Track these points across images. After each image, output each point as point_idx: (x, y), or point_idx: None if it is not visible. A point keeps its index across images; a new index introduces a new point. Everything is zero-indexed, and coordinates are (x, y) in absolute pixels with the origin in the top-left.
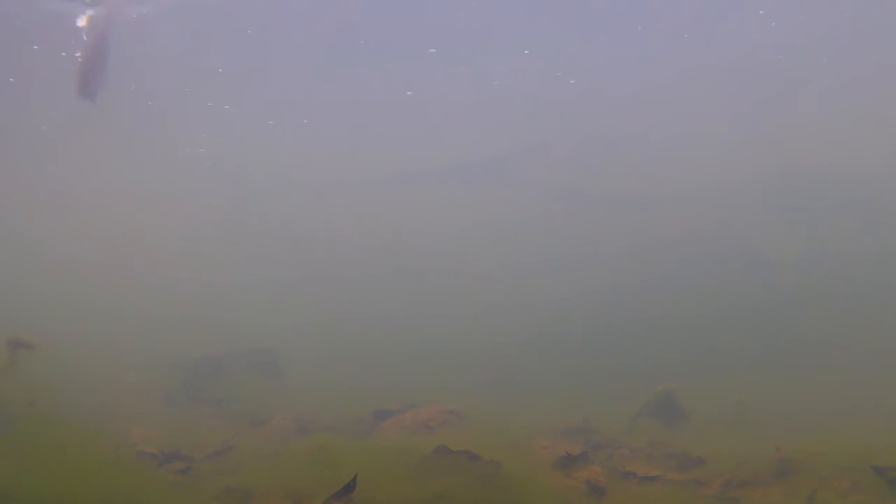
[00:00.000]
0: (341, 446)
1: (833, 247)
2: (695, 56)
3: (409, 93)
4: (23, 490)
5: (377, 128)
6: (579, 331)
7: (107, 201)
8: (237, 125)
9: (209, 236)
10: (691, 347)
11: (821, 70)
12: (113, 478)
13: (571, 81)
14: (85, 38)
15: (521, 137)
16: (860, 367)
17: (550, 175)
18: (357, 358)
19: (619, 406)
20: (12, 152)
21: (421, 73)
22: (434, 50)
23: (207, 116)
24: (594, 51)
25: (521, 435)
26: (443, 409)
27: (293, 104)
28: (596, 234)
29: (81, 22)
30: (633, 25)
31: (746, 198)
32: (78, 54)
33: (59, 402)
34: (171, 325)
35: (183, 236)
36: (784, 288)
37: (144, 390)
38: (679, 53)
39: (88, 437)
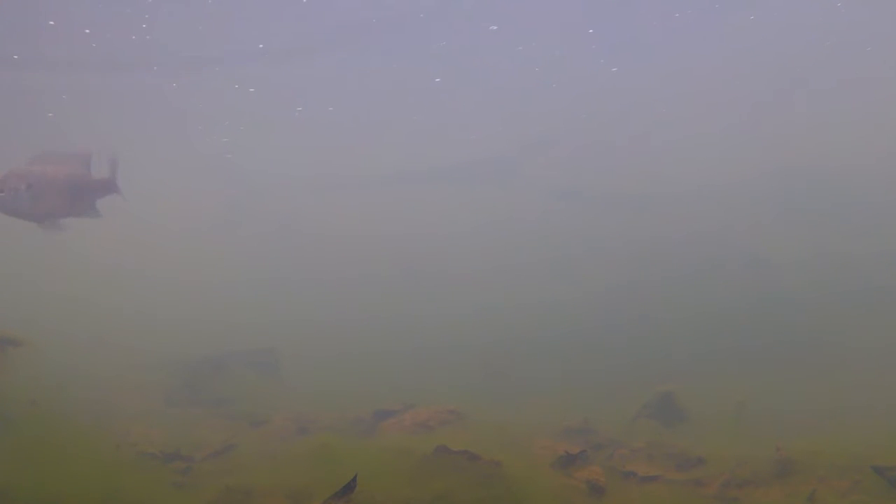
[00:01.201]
0: (341, 446)
1: (833, 247)
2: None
3: (437, 80)
4: (22, 489)
5: (382, 124)
6: (579, 331)
7: (108, 197)
8: (264, 111)
9: (210, 235)
10: (691, 347)
11: (864, 58)
12: (113, 477)
13: (613, 69)
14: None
15: (526, 135)
16: (860, 367)
17: (550, 175)
18: (357, 358)
19: (619, 406)
20: (13, 147)
21: (468, 55)
22: (496, 27)
23: (232, 100)
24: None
25: (521, 435)
26: (443, 409)
27: (323, 88)
28: (596, 234)
29: None
30: (711, 5)
31: (746, 198)
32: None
33: (59, 401)
34: (171, 325)
35: (184, 235)
36: (784, 288)
37: (144, 390)
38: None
39: (88, 436)
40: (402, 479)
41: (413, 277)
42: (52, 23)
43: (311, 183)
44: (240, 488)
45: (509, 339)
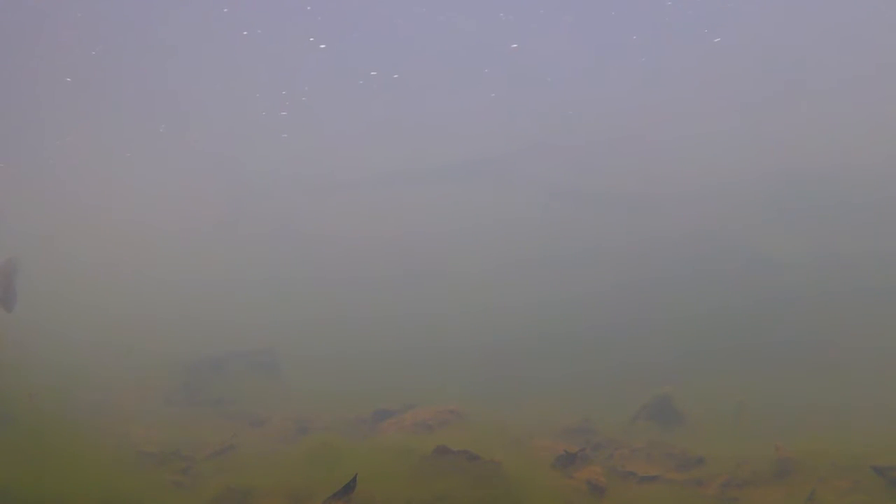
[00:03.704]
0: (341, 446)
1: (833, 247)
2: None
3: (514, 45)
4: (22, 489)
5: (385, 121)
6: (579, 331)
7: (107, 198)
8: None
9: (209, 235)
10: (692, 347)
11: (865, 58)
12: (113, 477)
13: (643, 60)
14: None
15: (526, 134)
16: (860, 367)
17: (550, 175)
18: (357, 358)
19: (619, 406)
20: (14, 141)
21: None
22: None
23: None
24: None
25: (521, 435)
26: (443, 409)
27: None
28: (596, 234)
29: None
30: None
31: (747, 198)
32: None
33: (59, 401)
34: (171, 325)
35: (183, 235)
36: (784, 288)
37: (144, 390)
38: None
39: (89, 436)
40: (402, 479)
41: (413, 277)
42: None
43: (319, 182)
44: (240, 488)
45: (509, 338)
